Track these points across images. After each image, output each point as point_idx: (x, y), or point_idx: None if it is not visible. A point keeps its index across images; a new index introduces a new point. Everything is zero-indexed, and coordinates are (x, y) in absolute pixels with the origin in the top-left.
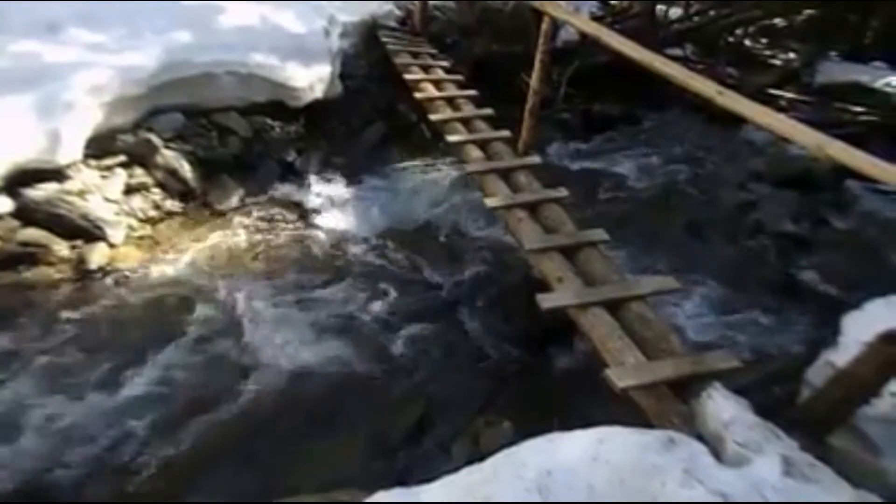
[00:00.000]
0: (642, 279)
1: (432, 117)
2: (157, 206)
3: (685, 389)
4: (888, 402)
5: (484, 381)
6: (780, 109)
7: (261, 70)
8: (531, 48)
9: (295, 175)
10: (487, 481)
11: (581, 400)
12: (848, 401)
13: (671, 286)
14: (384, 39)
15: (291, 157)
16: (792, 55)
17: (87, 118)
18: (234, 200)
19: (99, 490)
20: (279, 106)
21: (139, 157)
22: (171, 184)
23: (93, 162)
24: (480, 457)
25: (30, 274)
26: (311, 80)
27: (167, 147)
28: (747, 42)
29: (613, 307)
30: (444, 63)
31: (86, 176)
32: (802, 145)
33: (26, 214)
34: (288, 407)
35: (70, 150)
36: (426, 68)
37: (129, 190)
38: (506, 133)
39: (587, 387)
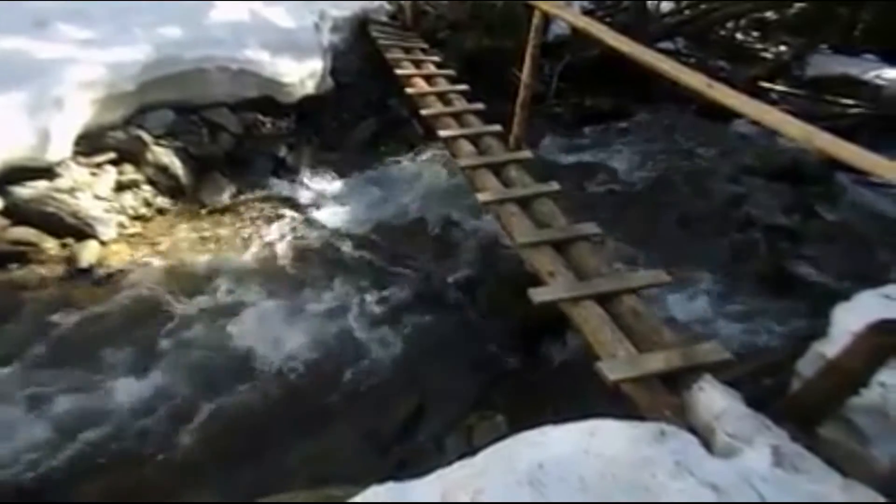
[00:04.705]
0: (634, 273)
1: (423, 112)
2: (148, 204)
3: (677, 382)
4: (877, 393)
5: (477, 375)
6: (771, 102)
7: (251, 66)
8: (522, 43)
9: (286, 171)
10: (479, 475)
11: (573, 393)
12: (838, 391)
13: (663, 280)
14: (375, 34)
15: (283, 152)
16: (783, 48)
17: (76, 115)
18: (225, 197)
19: (93, 488)
20: (270, 102)
21: (129, 155)
22: (162, 181)
23: (83, 159)
24: (473, 451)
25: (20, 272)
26: (301, 75)
27: (158, 144)
28: (738, 35)
29: (605, 301)
30: (436, 58)
31: (76, 173)
32: (791, 137)
33: (16, 212)
34: (280, 402)
35: (59, 148)
36: (417, 63)
37: (120, 187)
38: (497, 127)
39: (579, 380)
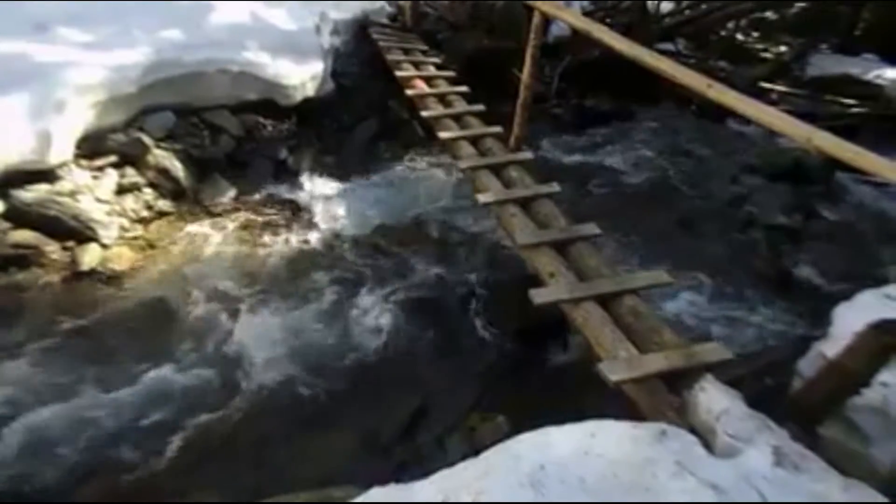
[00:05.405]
0: (635, 273)
1: (424, 114)
2: (149, 206)
3: (678, 382)
4: (878, 392)
5: (478, 376)
6: (772, 102)
7: (252, 68)
8: (522, 44)
9: (287, 173)
10: (481, 476)
11: (574, 394)
12: (838, 391)
13: (663, 280)
14: (375, 36)
15: (283, 155)
16: (783, 48)
17: (77, 118)
18: (226, 199)
19: (93, 490)
20: (271, 104)
21: (131, 157)
22: (163, 183)
23: (84, 162)
24: (475, 452)
25: (21, 276)
26: (302, 77)
27: (158, 146)
28: (739, 36)
29: (606, 301)
30: (436, 59)
31: (77, 176)
32: (792, 137)
33: (17, 216)
34: (282, 404)
35: (60, 151)
36: (417, 65)
37: (121, 190)
38: (497, 129)
39: (580, 381)
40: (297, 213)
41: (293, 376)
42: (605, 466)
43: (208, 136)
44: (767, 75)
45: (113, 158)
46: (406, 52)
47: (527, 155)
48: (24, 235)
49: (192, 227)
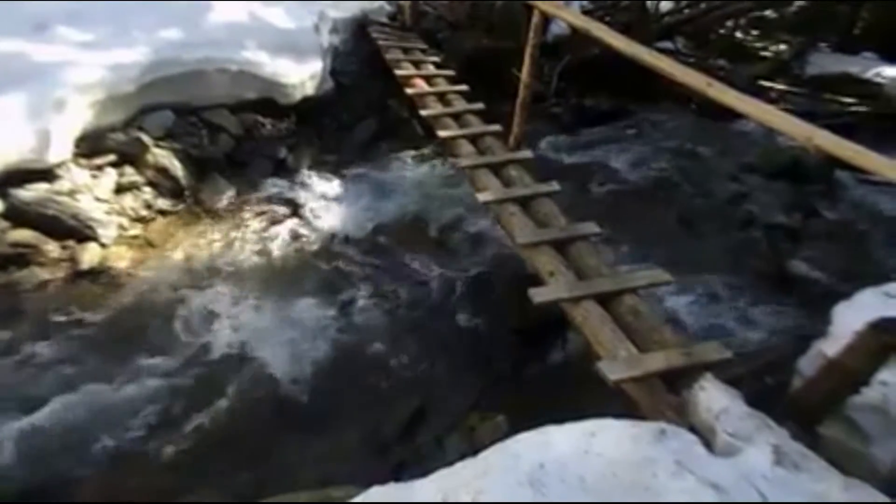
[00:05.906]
0: (634, 272)
1: (423, 112)
2: (148, 206)
3: (677, 381)
4: (878, 391)
5: (478, 375)
6: (771, 101)
7: (251, 67)
8: (522, 43)
9: (286, 172)
10: (481, 475)
11: (574, 393)
12: (839, 390)
13: (663, 279)
14: (375, 35)
15: (283, 154)
16: (783, 47)
17: (76, 117)
18: (225, 198)
19: (93, 490)
20: (270, 103)
21: (130, 156)
22: (163, 183)
23: (83, 161)
24: (474, 451)
25: (21, 275)
26: (301, 76)
27: (158, 146)
28: (738, 34)
29: (606, 300)
30: (435, 58)
31: (76, 175)
32: (792, 136)
33: (16, 215)
34: (282, 403)
35: (60, 150)
36: (417, 63)
37: (120, 189)
38: (497, 127)
39: (580, 380)
40: (296, 212)
41: (293, 375)
42: (605, 465)
43: (207, 135)
44: (767, 74)
45: (112, 157)
46: (405, 51)
47: (526, 154)
48: (24, 234)
49: (192, 227)
